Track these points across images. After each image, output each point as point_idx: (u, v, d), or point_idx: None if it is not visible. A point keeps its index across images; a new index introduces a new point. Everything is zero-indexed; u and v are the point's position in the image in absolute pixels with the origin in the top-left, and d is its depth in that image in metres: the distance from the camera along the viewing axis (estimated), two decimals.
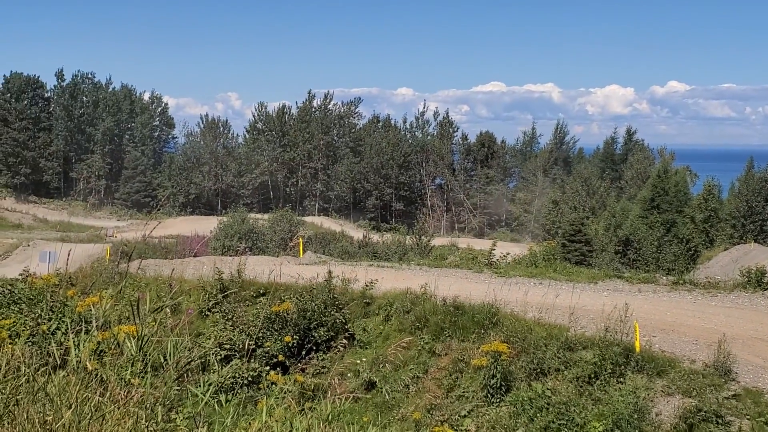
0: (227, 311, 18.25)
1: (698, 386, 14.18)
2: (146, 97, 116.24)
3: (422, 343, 17.38)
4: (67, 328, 6.01)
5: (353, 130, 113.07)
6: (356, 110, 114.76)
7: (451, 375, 16.24)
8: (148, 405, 4.69)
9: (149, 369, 5.05)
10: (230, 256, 34.27)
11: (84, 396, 4.55)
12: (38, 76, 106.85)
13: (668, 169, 64.32)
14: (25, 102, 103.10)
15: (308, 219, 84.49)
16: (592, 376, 14.83)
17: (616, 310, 15.44)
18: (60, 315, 7.48)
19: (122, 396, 4.65)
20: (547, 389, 14.70)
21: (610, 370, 14.75)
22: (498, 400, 14.84)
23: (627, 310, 15.49)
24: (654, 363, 14.99)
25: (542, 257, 35.54)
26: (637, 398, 13.86)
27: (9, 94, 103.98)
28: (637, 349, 15.21)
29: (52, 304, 7.82)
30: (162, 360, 5.29)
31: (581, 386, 14.72)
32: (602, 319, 15.90)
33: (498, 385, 14.81)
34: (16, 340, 6.58)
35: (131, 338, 5.20)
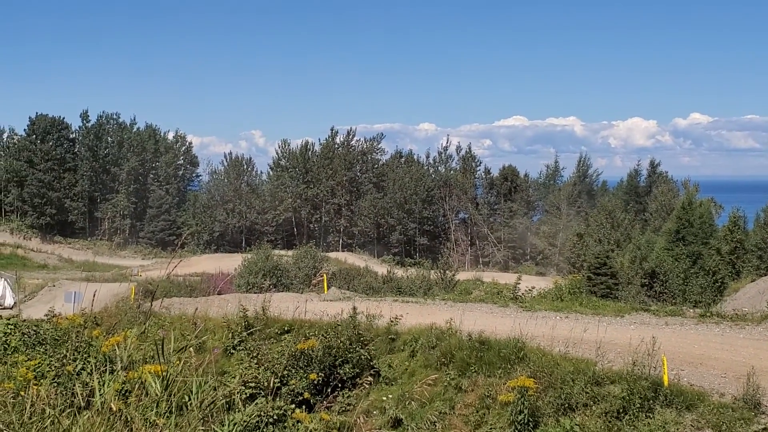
0: (252, 349, 18.23)
1: (728, 420, 14.00)
2: (170, 136, 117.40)
3: (448, 379, 17.26)
4: (92, 369, 6.01)
5: (376, 166, 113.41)
6: (379, 146, 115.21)
7: (477, 411, 16.10)
8: None
9: (174, 409, 5.03)
10: (255, 293, 34.31)
11: None
12: (63, 118, 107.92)
13: (693, 201, 63.81)
14: (51, 143, 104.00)
15: (332, 255, 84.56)
16: (621, 411, 14.67)
17: (644, 343, 15.28)
18: (85, 355, 7.48)
19: None
20: (576, 425, 14.55)
21: (638, 405, 14.59)
22: None
23: (654, 344, 15.33)
24: (683, 397, 14.81)
25: (568, 291, 35.38)
26: None
27: (34, 136, 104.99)
28: (666, 383, 15.04)
29: (77, 344, 7.82)
30: (187, 400, 5.27)
31: (610, 421, 14.56)
32: (630, 353, 15.75)
33: (525, 421, 14.66)
34: (42, 381, 6.58)
35: (156, 378, 5.18)
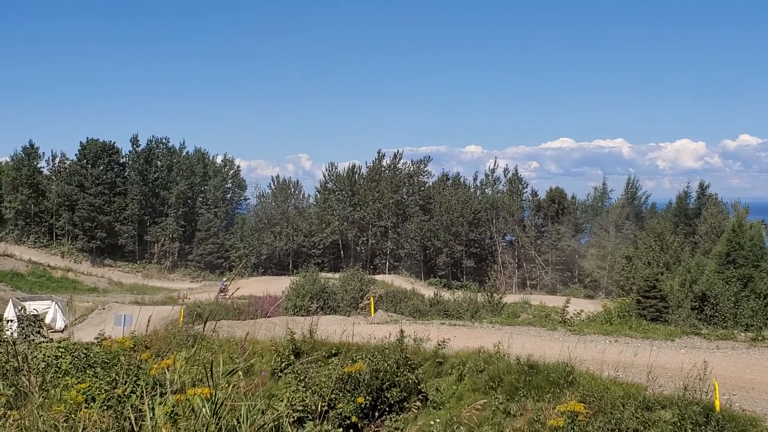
0: (299, 372, 18.24)
1: None
2: (219, 160, 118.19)
3: (496, 403, 17.13)
4: (142, 392, 6.04)
5: (422, 189, 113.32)
6: (425, 168, 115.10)
7: None
8: None
9: None
10: (302, 315, 34.40)
11: None
12: (114, 142, 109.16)
13: (743, 223, 62.99)
14: (101, 167, 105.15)
15: (379, 277, 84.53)
16: None
17: (695, 368, 15.07)
18: (135, 378, 7.54)
19: None
20: None
21: (690, 431, 14.37)
22: None
23: (706, 368, 15.11)
24: (735, 422, 14.57)
25: (617, 314, 35.06)
26: None
27: (85, 160, 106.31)
28: (717, 409, 14.82)
29: (127, 367, 7.88)
30: (235, 423, 5.28)
31: None
32: (680, 378, 15.54)
33: None
34: (92, 404, 6.63)
35: (205, 402, 5.19)
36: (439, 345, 20.25)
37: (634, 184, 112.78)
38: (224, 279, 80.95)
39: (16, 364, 7.95)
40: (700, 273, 56.28)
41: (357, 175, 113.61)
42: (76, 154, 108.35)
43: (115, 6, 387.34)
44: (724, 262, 56.59)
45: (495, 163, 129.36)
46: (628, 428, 15.01)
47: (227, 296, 66.21)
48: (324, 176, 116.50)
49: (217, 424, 5.09)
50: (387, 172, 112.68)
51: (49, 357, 11.64)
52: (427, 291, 70.95)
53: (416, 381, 18.36)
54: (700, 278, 54.21)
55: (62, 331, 44.61)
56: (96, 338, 16.84)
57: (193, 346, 14.13)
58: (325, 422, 16.08)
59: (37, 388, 5.90)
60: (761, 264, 55.35)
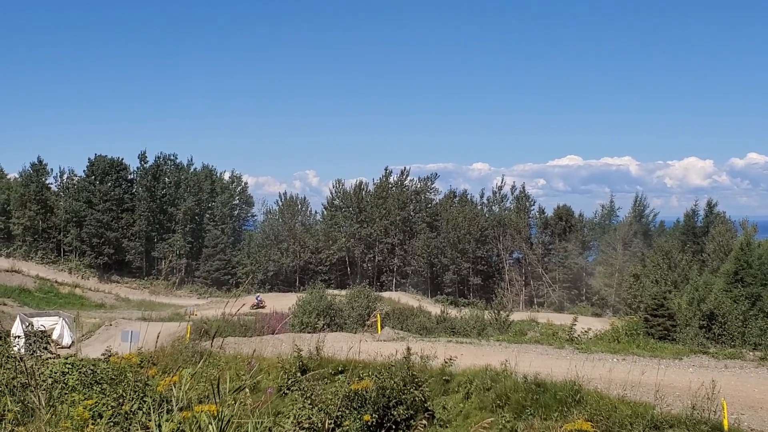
0: (306, 389, 18.21)
1: None
2: (226, 176, 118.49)
3: (503, 421, 17.07)
4: (149, 409, 6.03)
5: (429, 206, 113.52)
6: (432, 185, 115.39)
7: None
8: None
9: None
10: (309, 332, 34.36)
11: None
12: (122, 159, 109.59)
13: (751, 242, 63.03)
14: (109, 184, 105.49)
15: (385, 294, 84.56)
16: None
17: (703, 387, 15.01)
18: (141, 395, 7.52)
19: None
20: None
21: None
22: None
23: (714, 387, 15.05)
24: None
25: (625, 332, 35.02)
26: None
27: (93, 177, 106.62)
28: (726, 428, 14.75)
29: (133, 384, 7.87)
30: None
31: None
32: (689, 397, 15.48)
33: None
34: (99, 420, 6.62)
35: (212, 419, 5.18)
36: (446, 363, 20.21)
37: (642, 201, 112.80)
38: (258, 294, 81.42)
39: (23, 380, 7.95)
40: (708, 291, 56.19)
41: (364, 192, 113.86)
42: (84, 171, 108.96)
43: (123, 22, 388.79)
44: (732, 281, 56.51)
45: (502, 180, 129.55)
46: None
47: (263, 307, 66.97)
48: (331, 193, 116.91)
49: None
50: (394, 189, 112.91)
51: (56, 373, 11.63)
52: (433, 308, 70.97)
53: (423, 399, 18.29)
54: (708, 297, 54.10)
55: (69, 347, 44.61)
56: (103, 354, 16.85)
57: (199, 363, 14.13)
58: None
59: (44, 405, 5.90)
60: None
